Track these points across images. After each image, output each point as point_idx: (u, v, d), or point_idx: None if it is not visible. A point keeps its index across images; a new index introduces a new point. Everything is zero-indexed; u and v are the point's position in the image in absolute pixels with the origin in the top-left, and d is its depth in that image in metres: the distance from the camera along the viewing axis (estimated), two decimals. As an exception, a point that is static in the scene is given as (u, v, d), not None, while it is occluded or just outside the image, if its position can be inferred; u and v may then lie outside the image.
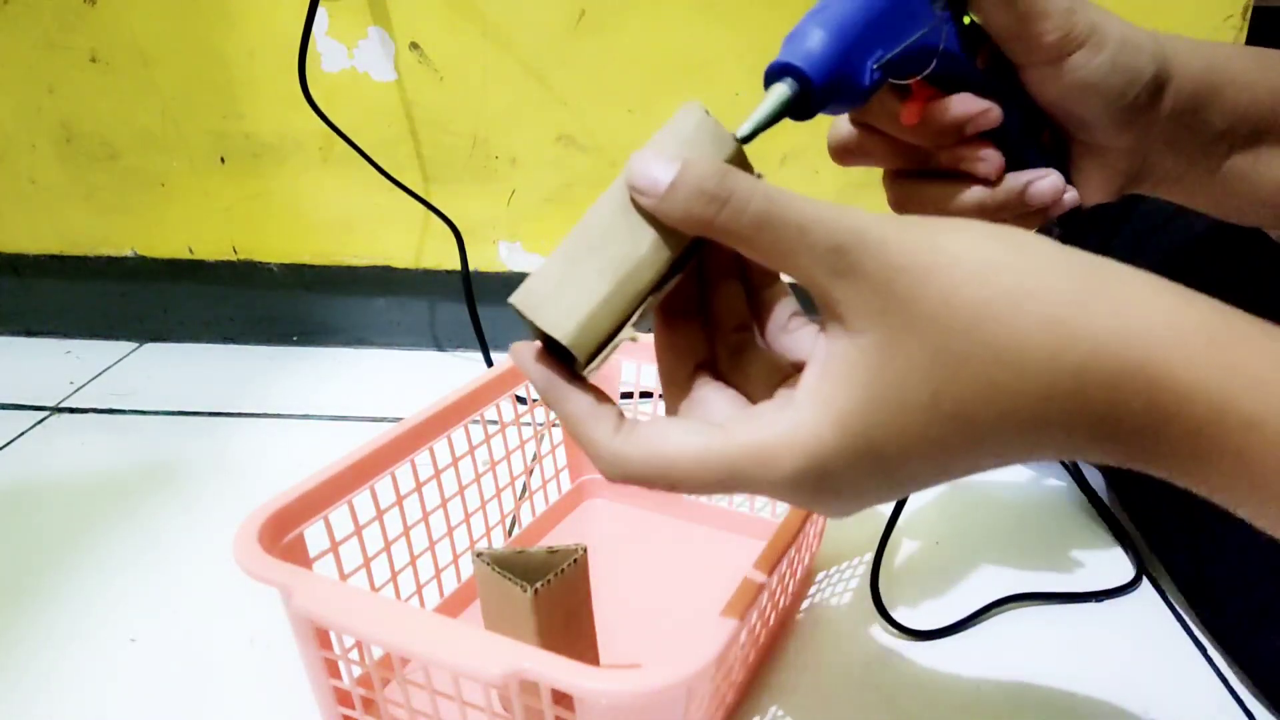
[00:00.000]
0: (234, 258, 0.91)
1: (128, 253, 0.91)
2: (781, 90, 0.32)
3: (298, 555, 0.44)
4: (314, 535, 0.45)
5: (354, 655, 0.42)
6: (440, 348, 0.95)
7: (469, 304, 0.85)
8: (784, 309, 0.31)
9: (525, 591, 0.39)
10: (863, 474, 0.27)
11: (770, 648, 0.52)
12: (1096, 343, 0.24)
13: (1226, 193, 0.41)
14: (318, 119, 0.79)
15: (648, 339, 0.33)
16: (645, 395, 0.65)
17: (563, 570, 0.41)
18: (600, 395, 0.29)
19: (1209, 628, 0.54)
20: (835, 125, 0.41)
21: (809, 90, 0.32)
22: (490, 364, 0.86)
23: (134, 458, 0.73)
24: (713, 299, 0.32)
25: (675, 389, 0.31)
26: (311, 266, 0.91)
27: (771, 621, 0.51)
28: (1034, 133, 0.39)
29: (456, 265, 0.86)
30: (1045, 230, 0.45)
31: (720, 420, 0.29)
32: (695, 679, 0.33)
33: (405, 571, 0.51)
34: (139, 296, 0.95)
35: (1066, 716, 0.49)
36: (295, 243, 0.90)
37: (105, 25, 0.81)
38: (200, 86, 0.83)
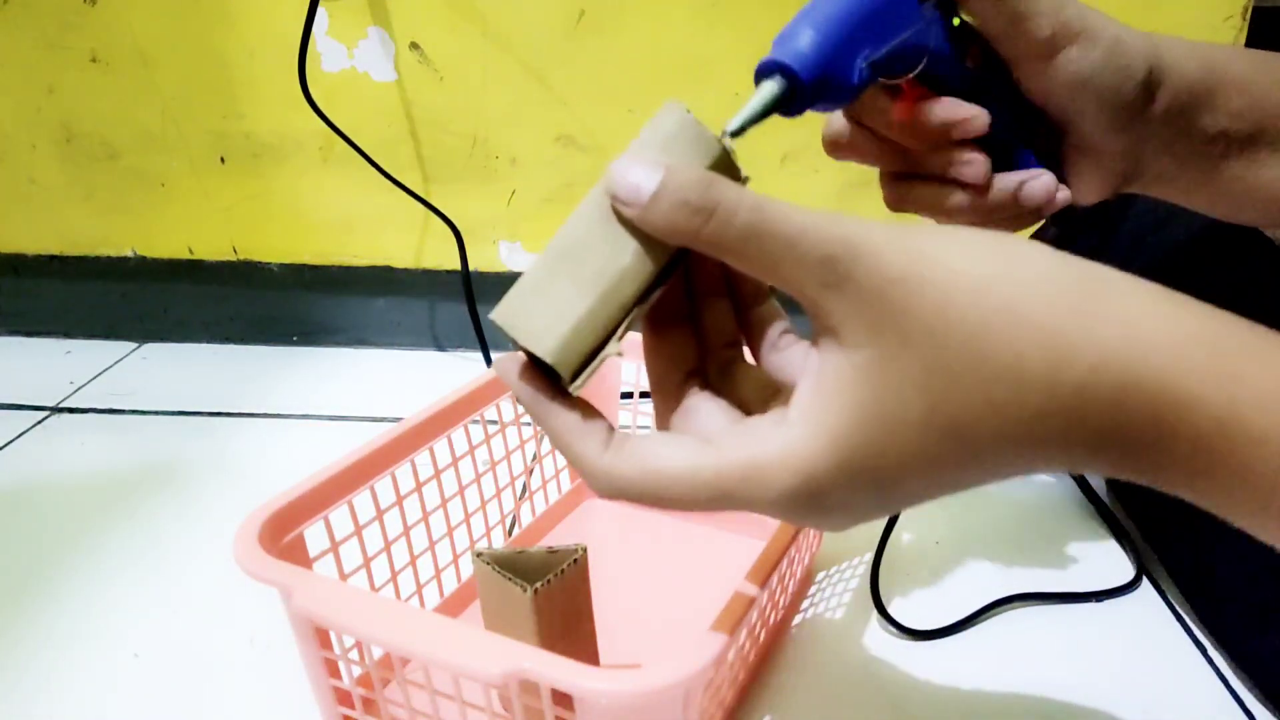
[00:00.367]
0: (234, 258, 0.91)
1: (128, 253, 0.91)
2: (770, 87, 0.32)
3: (298, 555, 0.44)
4: (314, 535, 0.45)
5: (354, 655, 0.42)
6: (440, 348, 0.95)
7: (469, 304, 0.85)
8: (774, 327, 0.30)
9: (525, 591, 0.39)
10: (858, 491, 0.26)
11: (770, 647, 0.52)
12: (1098, 358, 0.24)
13: (1223, 193, 0.41)
14: (318, 119, 0.79)
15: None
16: (645, 395, 0.65)
17: (563, 570, 0.41)
18: (588, 409, 0.28)
19: (1208, 627, 0.54)
20: (830, 120, 0.41)
21: (798, 87, 0.32)
22: (490, 364, 0.86)
23: (134, 458, 0.74)
24: (701, 317, 0.31)
25: (666, 398, 0.30)
26: (311, 266, 0.91)
27: (771, 621, 0.51)
28: (1026, 132, 0.39)
29: (456, 265, 0.86)
30: (1041, 230, 0.45)
31: (712, 432, 0.28)
32: (694, 679, 0.33)
33: (405, 571, 0.51)
34: (139, 296, 0.95)
35: (1066, 716, 0.49)
36: (295, 243, 0.90)
37: (105, 25, 0.81)
38: (200, 86, 0.83)
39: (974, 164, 0.38)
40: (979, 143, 0.38)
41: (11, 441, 0.76)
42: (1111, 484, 0.67)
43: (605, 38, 0.78)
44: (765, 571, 0.41)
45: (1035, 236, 0.40)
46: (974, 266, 0.25)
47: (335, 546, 0.46)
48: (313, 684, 0.43)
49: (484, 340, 0.85)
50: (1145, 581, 0.59)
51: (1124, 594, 0.57)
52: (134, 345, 0.96)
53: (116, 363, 0.91)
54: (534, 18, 0.78)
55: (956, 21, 0.36)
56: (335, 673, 0.42)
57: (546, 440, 0.63)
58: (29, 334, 0.97)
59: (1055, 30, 0.35)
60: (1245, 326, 0.24)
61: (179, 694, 0.50)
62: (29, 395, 0.84)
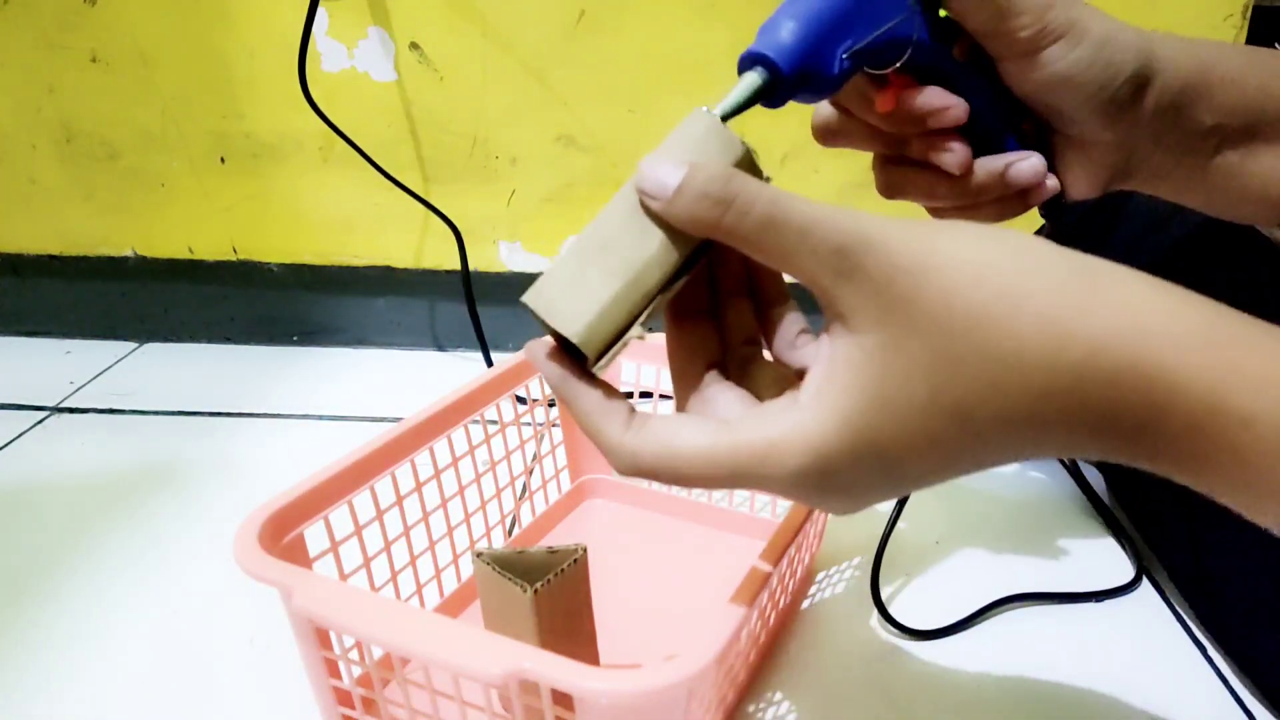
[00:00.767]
0: (234, 258, 0.91)
1: (127, 253, 0.91)
2: (752, 78, 0.33)
3: (298, 555, 0.44)
4: (314, 535, 0.44)
5: (354, 655, 0.42)
6: (440, 348, 0.95)
7: (469, 304, 0.85)
8: (792, 326, 0.31)
9: (525, 591, 0.39)
10: (866, 472, 0.27)
11: (771, 647, 0.52)
12: (1094, 342, 0.24)
13: (1216, 189, 0.41)
14: (318, 119, 0.79)
15: (654, 339, 0.34)
16: (645, 395, 0.65)
17: (563, 570, 0.41)
18: (611, 391, 0.30)
19: (1207, 626, 0.54)
20: (818, 108, 0.42)
21: (778, 78, 0.33)
22: (490, 364, 0.86)
23: (134, 458, 0.74)
24: (723, 315, 0.32)
25: (686, 385, 0.32)
26: (311, 266, 0.91)
27: (772, 621, 0.51)
28: (1013, 123, 0.39)
29: (456, 265, 0.86)
30: (1038, 231, 0.45)
31: (728, 417, 0.29)
32: (695, 678, 0.33)
33: (405, 571, 0.51)
34: (139, 296, 0.95)
35: (1066, 716, 0.49)
36: (295, 243, 0.90)
37: (105, 25, 0.81)
38: (200, 86, 0.83)
39: (954, 152, 0.39)
40: (965, 131, 0.38)
41: (11, 441, 0.76)
42: (1110, 482, 0.67)
43: (605, 38, 0.78)
44: (765, 571, 0.41)
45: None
46: (975, 257, 0.26)
47: (335, 546, 0.46)
48: (313, 684, 0.43)
49: (484, 340, 0.85)
50: (1145, 581, 0.59)
51: (1124, 594, 0.57)
52: (134, 345, 0.96)
53: (116, 363, 0.91)
54: (534, 18, 0.78)
55: (943, 13, 0.37)
56: (335, 673, 0.42)
57: (546, 440, 0.63)
58: (29, 334, 0.97)
59: (1038, 29, 0.35)
60: (1237, 316, 0.25)
61: (179, 694, 0.50)
62: (29, 395, 0.84)
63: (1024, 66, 0.37)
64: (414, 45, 0.80)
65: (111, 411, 0.81)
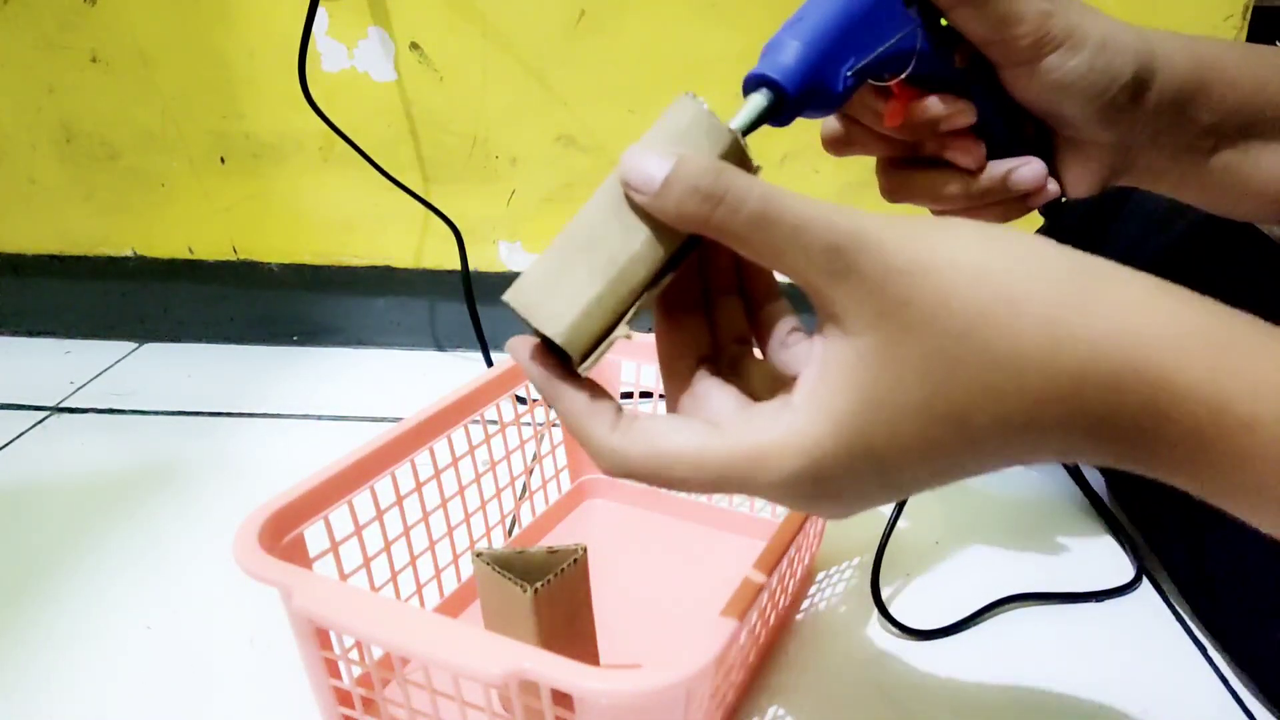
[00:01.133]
0: (234, 258, 0.91)
1: (127, 253, 0.91)
2: (758, 100, 0.33)
3: (298, 555, 0.44)
4: (314, 535, 0.44)
5: (354, 655, 0.42)
6: (440, 348, 0.95)
7: (469, 304, 0.85)
8: (783, 325, 0.30)
9: (525, 591, 0.39)
10: (860, 477, 0.27)
11: (771, 647, 0.52)
12: (1094, 346, 0.24)
13: (1214, 186, 0.41)
14: (318, 119, 0.79)
15: (645, 338, 0.33)
16: (645, 395, 0.65)
17: (563, 570, 0.41)
18: (597, 390, 0.29)
19: (1207, 626, 0.54)
20: (827, 119, 0.41)
21: (784, 100, 0.33)
22: (490, 364, 0.86)
23: (134, 458, 0.73)
24: (712, 313, 0.32)
25: (676, 382, 0.31)
26: (311, 266, 0.91)
27: (772, 621, 0.51)
28: (1015, 126, 0.40)
29: (456, 265, 0.86)
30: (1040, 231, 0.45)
31: (720, 417, 0.29)
32: (695, 679, 0.33)
33: (405, 571, 0.51)
34: (139, 296, 0.95)
35: (1066, 716, 0.49)
36: (295, 243, 0.90)
37: (105, 25, 0.81)
38: (200, 86, 0.83)
39: (969, 150, 0.39)
40: (973, 131, 0.39)
41: (11, 441, 0.76)
42: (1111, 484, 0.67)
43: (605, 38, 0.78)
44: (765, 571, 0.41)
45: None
46: (974, 257, 0.25)
47: (335, 546, 0.46)
48: (313, 684, 0.43)
49: (484, 340, 0.85)
50: (1145, 581, 0.59)
51: (1124, 594, 0.57)
52: (134, 345, 0.96)
53: (116, 363, 0.91)
54: (534, 18, 0.78)
55: (944, 22, 0.37)
56: (335, 673, 0.42)
57: (546, 440, 0.63)
58: (29, 334, 0.97)
59: (1038, 37, 0.35)
60: (1238, 317, 0.25)
61: (179, 694, 0.50)
62: (29, 395, 0.84)
63: (1024, 74, 0.37)
64: (414, 45, 0.80)
65: (111, 411, 0.81)
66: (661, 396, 0.67)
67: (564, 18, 0.77)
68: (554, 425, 0.64)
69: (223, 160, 0.86)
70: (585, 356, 0.28)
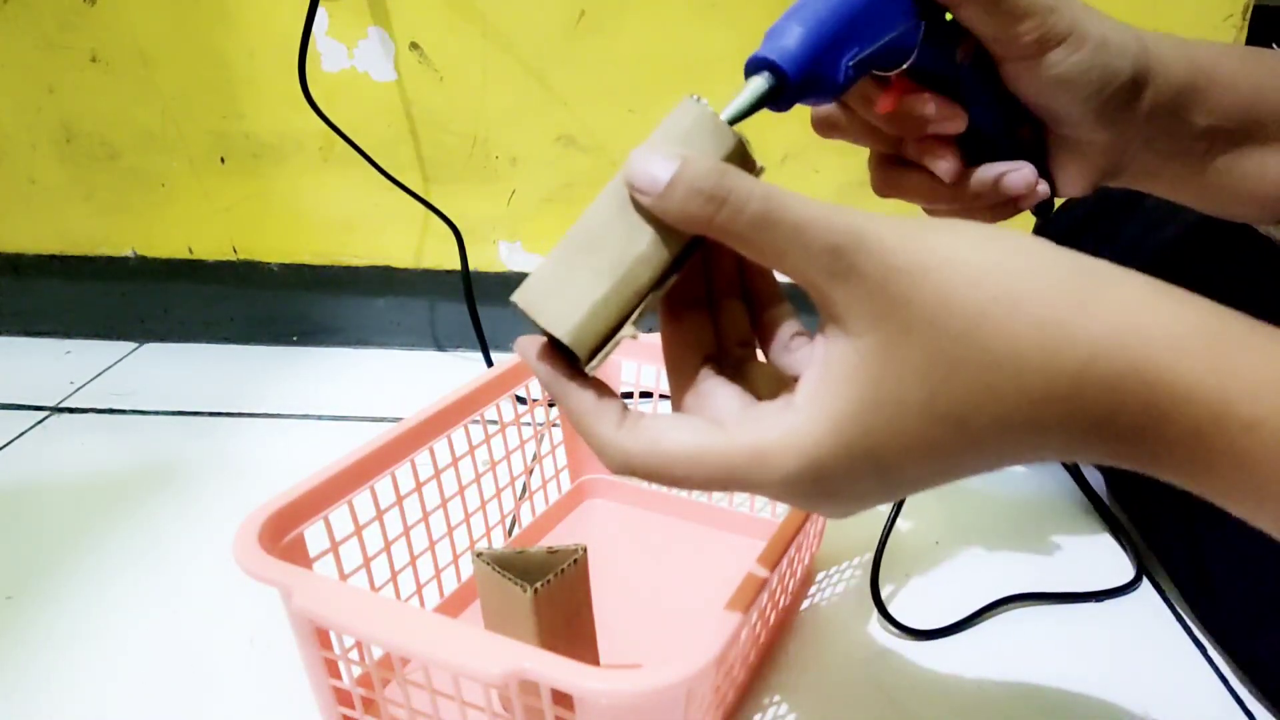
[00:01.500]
0: (234, 258, 0.91)
1: (128, 253, 0.91)
2: (759, 83, 0.33)
3: (298, 555, 0.44)
4: (314, 535, 0.44)
5: (354, 655, 0.42)
6: (440, 348, 0.95)
7: (469, 304, 0.85)
8: (786, 328, 0.31)
9: (525, 591, 0.39)
10: (860, 476, 0.27)
11: (771, 647, 0.52)
12: (1094, 346, 0.24)
13: (1209, 188, 0.41)
14: (318, 119, 0.79)
15: (648, 338, 0.33)
16: (645, 395, 0.65)
17: (563, 570, 0.41)
18: (603, 389, 0.29)
19: (1207, 626, 0.54)
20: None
21: (785, 84, 0.33)
22: (490, 364, 0.86)
23: (134, 458, 0.74)
24: (716, 316, 0.32)
25: (681, 380, 0.31)
26: (311, 266, 0.91)
27: (772, 621, 0.51)
28: (1011, 126, 0.40)
29: (456, 265, 0.86)
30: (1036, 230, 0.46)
31: (724, 416, 0.29)
32: (695, 679, 0.33)
33: (405, 571, 0.51)
34: (139, 296, 0.95)
35: (1066, 716, 0.49)
36: (295, 243, 0.90)
37: (105, 25, 0.81)
38: (200, 86, 0.83)
39: (946, 160, 0.39)
40: (963, 136, 0.39)
41: (11, 441, 0.76)
42: (1111, 484, 0.67)
43: (605, 38, 0.78)
44: (766, 571, 0.41)
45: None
46: (973, 257, 0.25)
47: (335, 546, 0.46)
48: (313, 684, 0.43)
49: (484, 340, 0.85)
50: (1145, 581, 0.59)
51: (1124, 594, 0.57)
52: (134, 345, 0.96)
53: (116, 363, 0.91)
54: (534, 18, 0.78)
55: (949, 16, 0.37)
56: (335, 673, 0.42)
57: (546, 440, 0.63)
58: (29, 334, 0.97)
59: (1042, 33, 0.35)
60: (1238, 318, 0.25)
61: (179, 694, 0.50)
62: (29, 395, 0.84)
63: (1026, 69, 0.37)
64: (414, 45, 0.80)
65: (111, 411, 0.81)
66: (663, 396, 0.67)
67: (564, 18, 0.77)
68: (554, 425, 0.64)
69: (223, 160, 0.86)
70: (592, 356, 0.29)
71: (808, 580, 0.58)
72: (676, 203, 0.27)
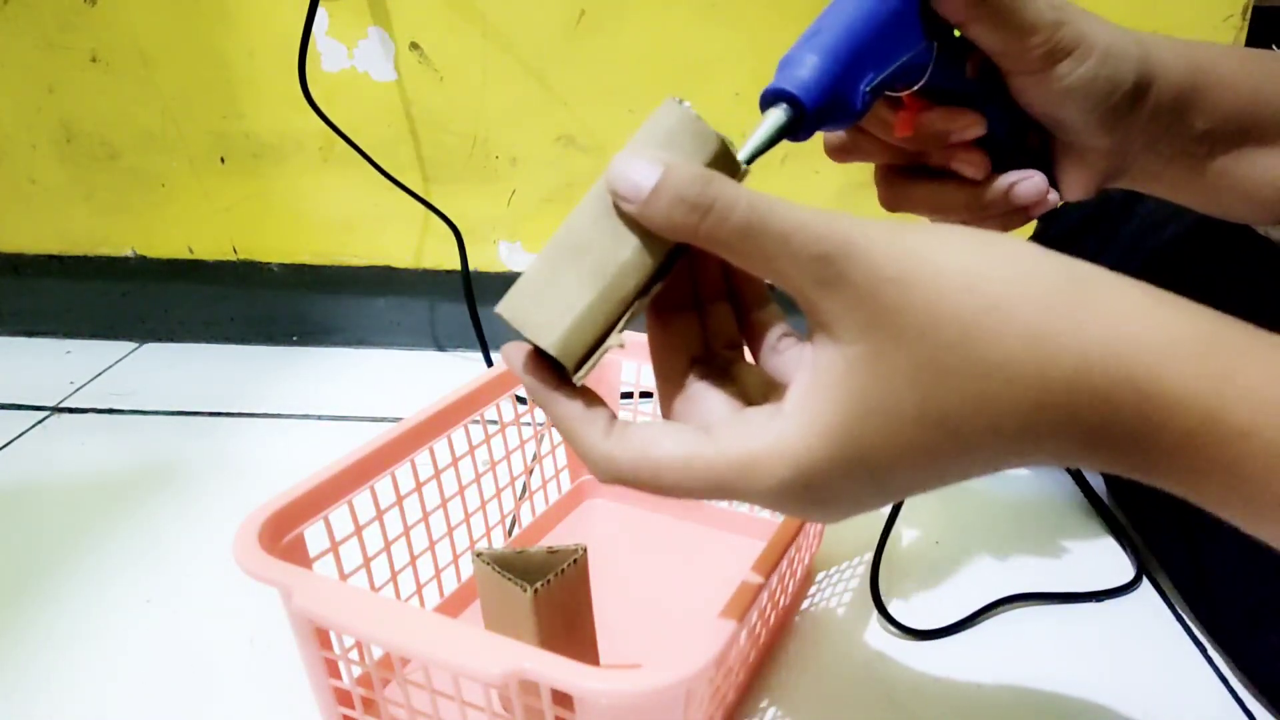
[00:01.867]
0: (234, 258, 0.91)
1: (128, 253, 0.91)
2: (777, 115, 0.33)
3: (298, 555, 0.44)
4: (314, 535, 0.45)
5: (354, 655, 0.42)
6: (440, 348, 0.95)
7: (469, 304, 0.85)
8: (774, 330, 0.31)
9: (525, 591, 0.39)
10: (851, 484, 0.27)
11: (771, 647, 0.52)
12: (1086, 355, 0.24)
13: (1209, 189, 0.42)
14: (318, 119, 0.79)
15: (644, 339, 0.33)
16: (645, 395, 0.65)
17: (563, 570, 0.41)
18: (591, 398, 0.29)
19: (1207, 626, 0.54)
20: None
21: (803, 115, 0.33)
22: (490, 364, 0.86)
23: (134, 458, 0.74)
24: (703, 319, 0.32)
25: (669, 385, 0.31)
26: (311, 266, 0.91)
27: (772, 621, 0.51)
28: (1019, 136, 0.40)
29: (456, 265, 0.86)
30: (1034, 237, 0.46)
31: (712, 421, 0.29)
32: (695, 679, 0.33)
33: (405, 571, 0.51)
34: (139, 296, 0.95)
35: (1066, 716, 0.49)
36: (295, 243, 0.90)
37: (105, 25, 0.81)
38: (200, 86, 0.83)
39: (974, 163, 0.39)
40: (977, 142, 0.39)
41: (11, 441, 0.76)
42: (1111, 484, 0.67)
43: (605, 38, 0.78)
44: (765, 571, 0.41)
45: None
46: (964, 265, 0.25)
47: (335, 546, 0.46)
48: (313, 684, 0.43)
49: (484, 340, 0.85)
50: (1145, 581, 0.59)
51: (1124, 594, 0.57)
52: (134, 345, 0.96)
53: (116, 363, 0.91)
54: (534, 18, 0.78)
55: (958, 33, 0.37)
56: (335, 673, 0.42)
57: (546, 440, 0.63)
58: (29, 334, 0.97)
59: (1051, 46, 0.36)
60: (1233, 325, 0.25)
61: (179, 694, 0.50)
62: (29, 395, 0.84)
63: (1034, 82, 0.37)
64: (414, 45, 0.80)
65: (111, 411, 0.81)
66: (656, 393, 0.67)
67: (564, 18, 0.77)
68: (554, 426, 0.64)
69: (223, 160, 0.86)
70: (579, 366, 0.28)
71: (808, 580, 0.58)
72: (660, 211, 0.26)
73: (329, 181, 0.86)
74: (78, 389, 0.85)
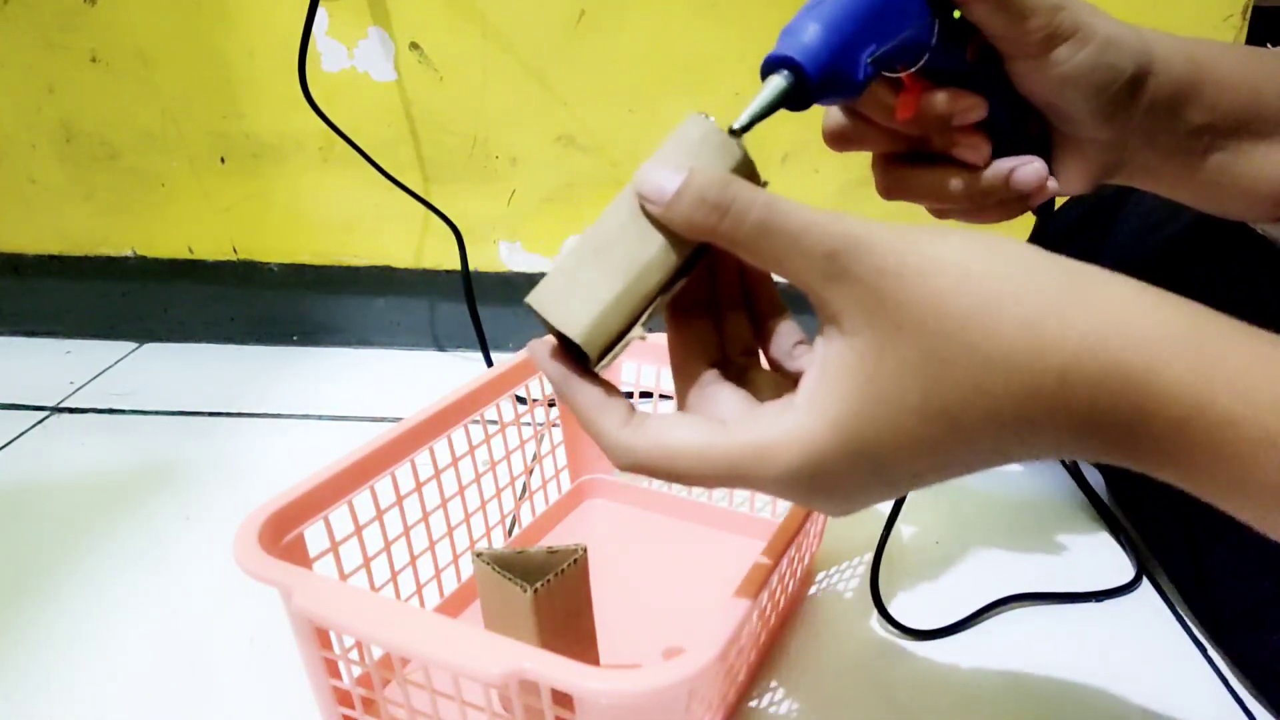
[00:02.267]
0: (234, 258, 0.91)
1: (128, 253, 0.91)
2: (778, 82, 0.33)
3: (298, 555, 0.44)
4: (314, 535, 0.45)
5: (354, 655, 0.42)
6: (440, 348, 0.95)
7: (469, 304, 0.85)
8: (789, 337, 0.32)
9: (525, 591, 0.39)
10: (858, 472, 0.28)
11: (771, 647, 0.52)
12: (1079, 345, 0.25)
13: (1207, 185, 0.42)
14: (318, 119, 0.79)
15: (654, 339, 0.34)
16: (645, 395, 0.65)
17: (563, 570, 0.41)
18: (611, 389, 0.31)
19: (1207, 626, 0.54)
20: (829, 113, 0.42)
21: (805, 83, 0.33)
22: (490, 364, 0.86)
23: (134, 458, 0.74)
24: (720, 327, 0.33)
25: (687, 381, 0.32)
26: (311, 266, 0.91)
27: (772, 621, 0.51)
28: (1019, 123, 0.40)
29: (456, 265, 0.86)
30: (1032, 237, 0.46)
31: (726, 415, 0.30)
32: (696, 678, 0.33)
33: (405, 571, 0.51)
34: (139, 296, 0.95)
35: (1066, 716, 0.49)
36: (295, 243, 0.90)
37: (105, 25, 0.81)
38: (200, 86, 0.83)
39: (976, 146, 0.39)
40: (980, 127, 0.39)
41: (11, 441, 0.76)
42: (1111, 484, 0.67)
43: (605, 38, 0.78)
44: (765, 571, 0.41)
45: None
46: (963, 261, 0.26)
47: (335, 546, 0.46)
48: (313, 684, 0.43)
49: (484, 340, 0.85)
50: (1145, 581, 0.59)
51: (1124, 594, 0.57)
52: (134, 345, 0.96)
53: (116, 363, 0.91)
54: (534, 18, 0.78)
55: (957, 14, 0.37)
56: (335, 673, 0.42)
57: (546, 440, 0.63)
58: (29, 334, 0.97)
59: (1050, 30, 0.36)
60: (1221, 317, 0.26)
61: (179, 694, 0.50)
62: (29, 395, 0.84)
63: (1033, 66, 0.37)
64: (414, 45, 0.80)
65: (111, 411, 0.81)
66: (663, 396, 0.67)
67: (564, 18, 0.77)
68: (554, 425, 0.64)
69: (223, 160, 0.86)
70: (602, 356, 0.30)
71: (808, 580, 0.58)
72: (683, 211, 0.28)
73: (329, 181, 0.86)
74: (78, 389, 0.85)
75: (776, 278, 0.31)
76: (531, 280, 0.30)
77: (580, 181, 0.84)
